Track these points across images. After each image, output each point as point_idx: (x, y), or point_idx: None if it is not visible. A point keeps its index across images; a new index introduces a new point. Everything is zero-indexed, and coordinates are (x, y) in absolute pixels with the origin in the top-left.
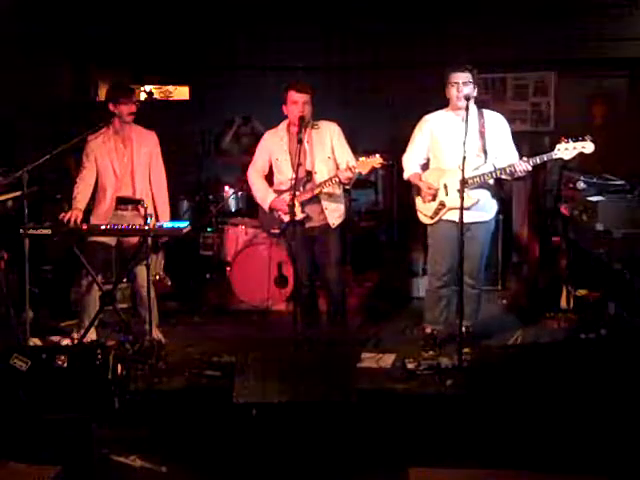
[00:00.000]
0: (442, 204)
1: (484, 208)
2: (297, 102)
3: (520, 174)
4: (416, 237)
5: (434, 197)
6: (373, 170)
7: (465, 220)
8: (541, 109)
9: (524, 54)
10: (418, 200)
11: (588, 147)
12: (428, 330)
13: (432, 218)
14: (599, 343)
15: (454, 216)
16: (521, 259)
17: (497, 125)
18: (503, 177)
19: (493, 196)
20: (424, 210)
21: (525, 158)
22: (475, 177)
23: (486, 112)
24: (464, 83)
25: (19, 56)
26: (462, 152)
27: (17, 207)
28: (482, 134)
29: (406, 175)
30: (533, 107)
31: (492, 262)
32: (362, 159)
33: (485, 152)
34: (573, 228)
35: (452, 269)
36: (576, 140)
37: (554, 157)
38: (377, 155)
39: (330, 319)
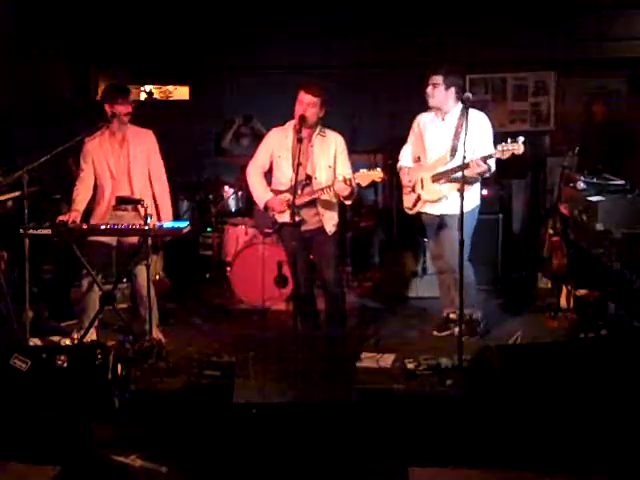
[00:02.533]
0: (419, 196)
1: (451, 201)
2: (302, 102)
3: (476, 169)
4: (416, 237)
5: (414, 189)
6: (372, 183)
7: (434, 212)
8: (541, 109)
9: (524, 54)
10: (403, 192)
11: (518, 149)
12: (444, 313)
13: (411, 209)
14: (599, 343)
15: (428, 208)
16: (521, 259)
17: (476, 124)
18: (468, 174)
19: (466, 191)
20: (405, 201)
21: (480, 157)
22: (442, 173)
23: (471, 111)
24: (434, 85)
25: (19, 56)
26: (441, 149)
27: (17, 207)
28: (457, 133)
29: (398, 167)
30: (533, 107)
31: (492, 262)
32: (363, 171)
33: (455, 150)
34: (573, 228)
35: (438, 256)
36: (512, 142)
37: (494, 157)
38: (378, 169)
39: (329, 319)
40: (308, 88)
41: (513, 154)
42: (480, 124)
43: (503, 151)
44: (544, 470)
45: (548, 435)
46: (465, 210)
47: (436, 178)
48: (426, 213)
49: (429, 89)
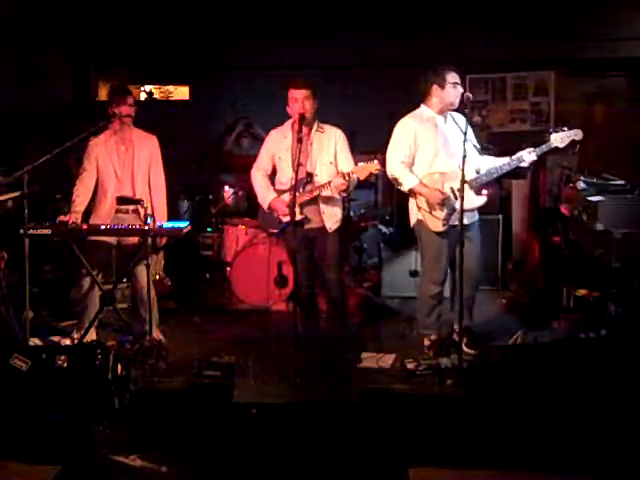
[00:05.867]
0: (454, 209)
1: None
2: (297, 99)
3: (527, 164)
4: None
5: (444, 203)
6: (371, 176)
7: (467, 221)
8: (541, 109)
9: (524, 54)
10: (424, 207)
11: (578, 134)
12: (433, 337)
13: (444, 225)
14: (599, 343)
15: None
16: (521, 259)
17: (465, 124)
18: (508, 170)
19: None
20: (434, 220)
21: (530, 149)
22: (483, 176)
23: (452, 113)
24: (460, 84)
25: (20, 56)
26: (460, 152)
27: (17, 207)
28: (465, 134)
29: (409, 185)
30: (533, 107)
31: (492, 262)
32: (361, 164)
33: (476, 150)
34: (573, 228)
35: (448, 272)
36: (569, 129)
37: (552, 147)
38: (375, 161)
39: (330, 319)
40: (297, 83)
41: (573, 140)
42: (467, 124)
43: (562, 139)
44: (544, 470)
45: (548, 435)
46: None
47: (476, 184)
48: (456, 225)
49: (461, 88)
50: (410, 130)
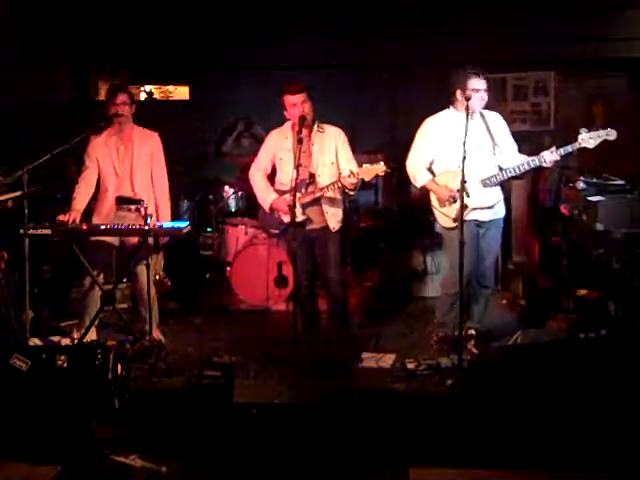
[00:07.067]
0: (466, 206)
1: (500, 204)
2: (295, 104)
3: (549, 165)
4: (416, 237)
5: (454, 199)
6: (376, 177)
7: (486, 218)
8: (541, 109)
9: (524, 54)
10: (435, 204)
11: (611, 134)
12: (441, 334)
13: (455, 221)
14: (599, 343)
15: (477, 215)
16: (521, 259)
17: (499, 123)
18: (527, 169)
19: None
20: (446, 213)
21: (553, 148)
22: (498, 174)
23: (485, 112)
24: (485, 90)
25: (19, 56)
26: (472, 152)
27: (17, 207)
28: (490, 132)
29: (421, 182)
30: (533, 107)
31: None
32: (366, 166)
33: (497, 149)
34: (573, 228)
35: (473, 270)
36: (601, 128)
37: (579, 147)
38: (381, 163)
39: (331, 319)
40: (292, 88)
41: (605, 140)
42: (504, 123)
43: (592, 139)
44: (545, 469)
45: (548, 435)
46: (504, 212)
47: (491, 182)
48: (474, 221)
49: (485, 94)
50: (428, 131)
